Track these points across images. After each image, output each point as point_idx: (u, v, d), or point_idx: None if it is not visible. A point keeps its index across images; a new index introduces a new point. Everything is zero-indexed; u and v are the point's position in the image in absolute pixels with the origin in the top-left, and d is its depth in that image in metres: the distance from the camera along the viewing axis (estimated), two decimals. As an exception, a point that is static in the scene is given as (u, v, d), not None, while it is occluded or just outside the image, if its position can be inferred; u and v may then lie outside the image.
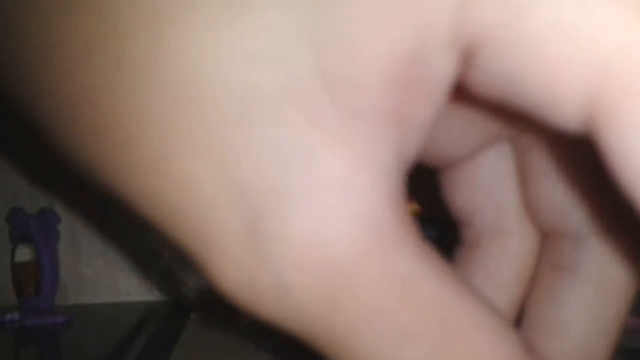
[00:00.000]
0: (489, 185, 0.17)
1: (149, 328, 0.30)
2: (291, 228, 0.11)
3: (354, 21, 0.10)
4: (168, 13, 0.10)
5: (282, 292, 0.11)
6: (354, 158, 0.11)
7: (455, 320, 0.12)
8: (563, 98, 0.11)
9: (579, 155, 0.15)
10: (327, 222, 0.11)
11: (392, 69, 0.11)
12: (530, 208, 0.17)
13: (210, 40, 0.10)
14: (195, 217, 0.11)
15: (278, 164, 0.11)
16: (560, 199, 0.16)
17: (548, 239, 0.17)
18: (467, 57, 0.11)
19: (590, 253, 0.16)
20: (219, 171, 0.11)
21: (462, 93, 0.12)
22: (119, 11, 0.11)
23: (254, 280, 0.11)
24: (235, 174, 0.11)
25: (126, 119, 0.11)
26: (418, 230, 0.12)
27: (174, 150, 0.11)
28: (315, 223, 0.11)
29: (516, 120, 0.15)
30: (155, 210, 0.12)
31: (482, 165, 0.17)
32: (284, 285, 0.11)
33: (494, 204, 0.17)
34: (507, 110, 0.12)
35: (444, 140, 0.16)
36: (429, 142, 0.13)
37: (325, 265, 0.11)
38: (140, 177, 0.11)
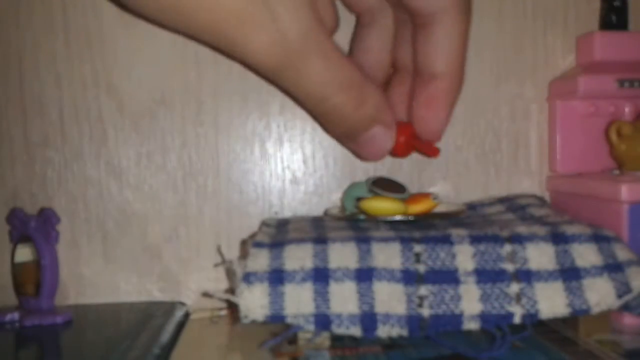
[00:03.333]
0: None
1: (149, 328, 0.30)
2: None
3: None
4: None
5: (281, 46, 0.25)
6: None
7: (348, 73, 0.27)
8: None
9: None
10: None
11: None
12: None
13: None
14: (236, 20, 0.24)
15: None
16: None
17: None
18: None
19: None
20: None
21: None
22: None
23: (271, 40, 0.25)
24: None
25: None
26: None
27: None
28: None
29: None
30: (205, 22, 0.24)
31: None
32: (283, 43, 0.25)
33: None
34: None
35: None
36: None
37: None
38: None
